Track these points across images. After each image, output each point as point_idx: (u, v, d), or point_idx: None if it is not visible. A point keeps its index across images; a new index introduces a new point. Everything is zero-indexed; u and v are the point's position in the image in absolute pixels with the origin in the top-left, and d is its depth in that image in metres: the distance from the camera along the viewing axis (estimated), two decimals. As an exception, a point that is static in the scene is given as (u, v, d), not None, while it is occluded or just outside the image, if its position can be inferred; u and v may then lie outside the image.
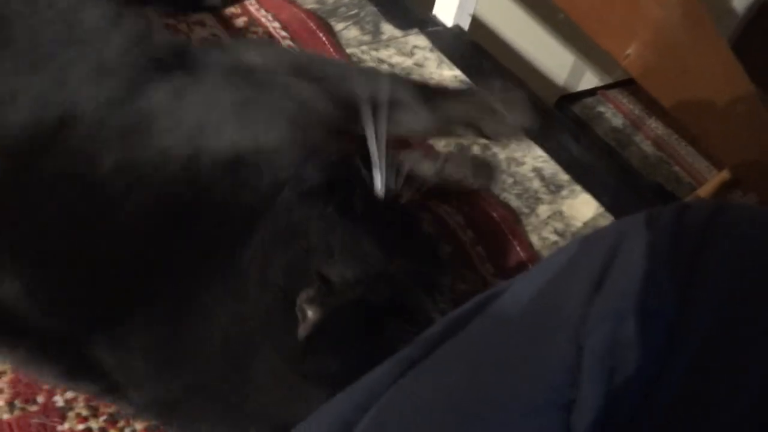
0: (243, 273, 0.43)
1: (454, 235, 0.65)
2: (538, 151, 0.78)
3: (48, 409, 0.50)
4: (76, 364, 0.45)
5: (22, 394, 0.50)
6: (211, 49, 0.60)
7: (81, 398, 0.51)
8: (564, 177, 0.76)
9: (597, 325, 0.37)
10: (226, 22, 0.86)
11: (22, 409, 0.49)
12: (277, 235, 0.45)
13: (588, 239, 0.45)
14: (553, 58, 1.90)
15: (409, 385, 0.38)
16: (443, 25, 0.98)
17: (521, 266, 0.64)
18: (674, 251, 0.40)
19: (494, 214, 0.68)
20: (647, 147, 2.21)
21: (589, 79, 2.20)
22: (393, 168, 0.54)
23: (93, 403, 0.50)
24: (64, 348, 0.45)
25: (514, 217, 0.69)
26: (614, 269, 0.40)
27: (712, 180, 1.78)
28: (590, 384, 0.35)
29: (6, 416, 0.49)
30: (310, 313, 0.40)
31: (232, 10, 0.88)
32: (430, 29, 0.95)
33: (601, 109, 2.31)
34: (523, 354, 0.38)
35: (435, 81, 0.86)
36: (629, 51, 1.12)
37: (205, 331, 0.42)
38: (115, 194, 0.45)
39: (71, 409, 0.50)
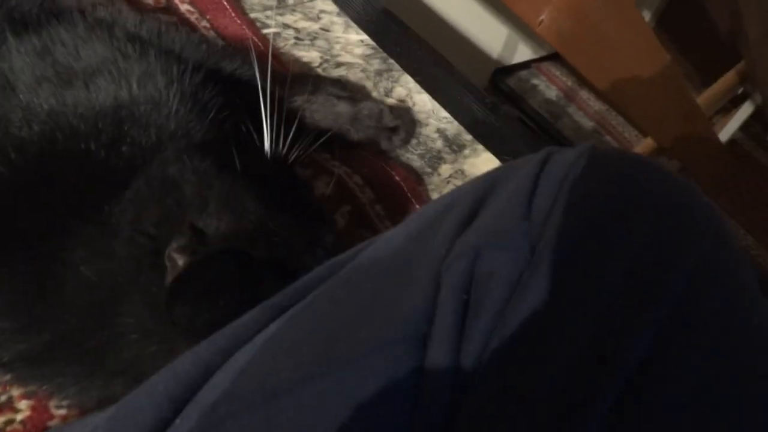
0: (113, 227, 0.42)
1: (352, 194, 0.65)
2: (443, 113, 0.79)
3: None
4: None
5: None
6: (83, 8, 0.58)
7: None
8: (467, 137, 0.77)
9: (455, 260, 0.37)
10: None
11: None
12: (151, 189, 0.44)
13: (465, 185, 0.45)
14: (487, 32, 1.91)
15: (275, 330, 0.38)
16: (353, -8, 0.97)
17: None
18: (533, 193, 0.40)
19: (394, 174, 0.68)
20: (580, 118, 2.26)
21: (524, 52, 2.23)
22: (290, 128, 0.54)
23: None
24: None
25: (415, 177, 0.70)
26: (481, 210, 0.41)
27: (638, 147, 1.83)
28: (444, 317, 0.35)
29: None
30: (180, 263, 0.40)
31: (129, -25, 0.86)
32: (338, -6, 0.94)
33: (536, 81, 2.34)
34: (387, 293, 0.38)
35: (341, 44, 0.85)
36: (542, 17, 1.14)
37: (69, 287, 0.41)
38: None
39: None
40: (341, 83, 0.75)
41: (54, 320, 0.41)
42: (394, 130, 0.72)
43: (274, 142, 0.52)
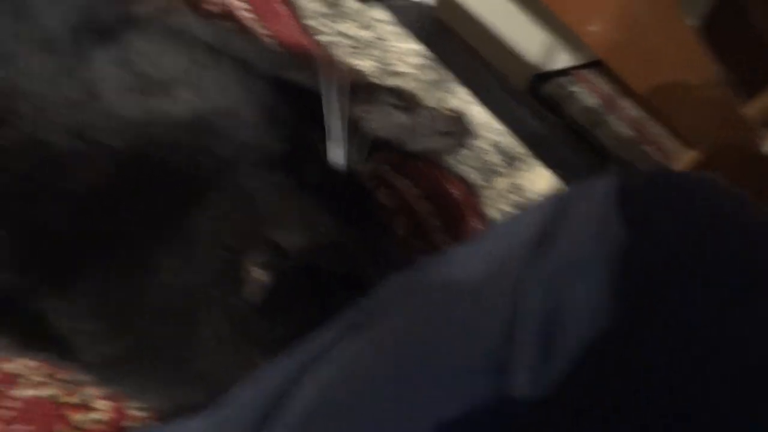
0: (194, 237, 0.44)
1: (410, 207, 0.66)
2: (496, 125, 0.79)
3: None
4: (28, 331, 0.45)
5: None
6: (158, 13, 0.59)
7: (34, 365, 0.51)
8: (521, 150, 0.77)
9: (532, 289, 0.38)
10: (185, -6, 0.85)
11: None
12: (229, 202, 0.45)
13: (533, 207, 0.45)
14: (527, 37, 1.90)
15: (352, 347, 0.39)
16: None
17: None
18: (606, 220, 0.41)
19: (450, 187, 0.69)
20: (620, 127, 2.23)
21: (564, 59, 2.21)
22: (353, 138, 0.55)
23: (48, 371, 0.50)
24: (17, 316, 0.45)
25: (470, 190, 0.70)
26: (554, 235, 0.41)
27: (682, 159, 1.81)
28: (522, 345, 0.36)
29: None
30: (258, 277, 0.41)
31: (191, -19, 0.87)
32: (392, 2, 0.95)
33: (575, 88, 2.32)
34: (466, 318, 0.39)
35: (396, 54, 0.86)
36: (593, 27, 1.13)
37: (153, 294, 0.43)
38: (68, 161, 0.45)
39: (23, 375, 0.50)
40: (397, 92, 0.76)
41: (137, 325, 0.42)
42: (447, 135, 0.73)
43: (341, 153, 0.53)
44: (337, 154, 0.51)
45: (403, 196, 0.67)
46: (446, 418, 0.35)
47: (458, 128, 0.74)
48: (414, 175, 0.70)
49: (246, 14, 0.84)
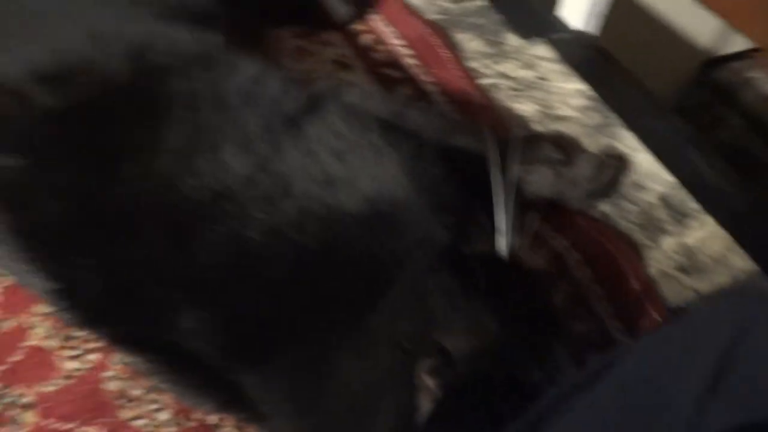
0: (371, 334, 0.48)
1: (571, 273, 0.66)
2: (665, 176, 0.76)
3: (203, 425, 0.58)
4: (231, 396, 0.52)
5: (182, 412, 0.58)
6: (333, 93, 0.63)
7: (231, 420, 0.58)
8: (693, 205, 0.74)
9: (706, 426, 0.37)
10: (353, 40, 0.90)
11: (179, 424, 0.58)
12: (404, 301, 0.49)
13: (704, 320, 0.44)
14: (697, 20, 1.76)
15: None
16: (570, 29, 0.95)
17: (640, 308, 0.64)
18: None
19: (611, 248, 0.68)
20: (806, 116, 2.01)
21: (739, 41, 2.01)
22: (519, 227, 0.56)
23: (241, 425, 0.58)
24: (223, 383, 0.52)
25: (634, 253, 0.69)
26: (731, 372, 0.40)
27: None
28: None
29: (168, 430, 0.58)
30: (429, 385, 0.44)
31: (358, 26, 0.92)
32: (555, 36, 0.93)
33: (752, 74, 2.11)
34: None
35: (559, 95, 0.85)
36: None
37: (335, 383, 0.47)
38: (263, 253, 0.51)
39: (221, 427, 0.58)
40: (558, 141, 0.75)
41: (322, 408, 0.48)
42: (609, 185, 0.72)
43: (507, 242, 0.55)
44: (502, 243, 0.53)
45: (563, 261, 0.67)
46: None
47: (616, 174, 0.72)
48: (572, 234, 0.69)
49: (410, 61, 0.87)
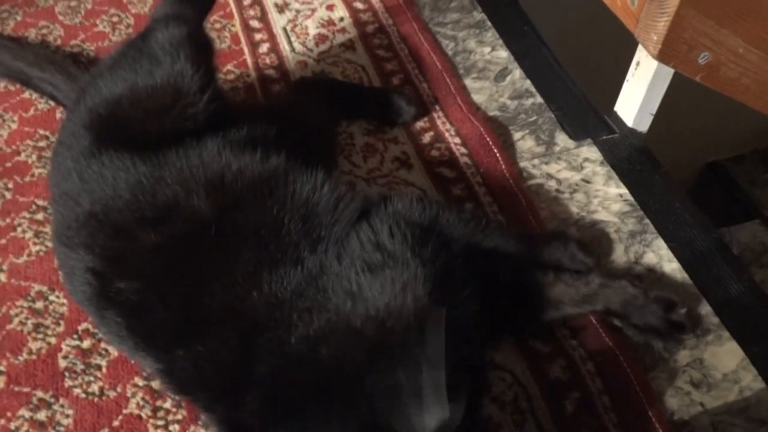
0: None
1: (583, 382, 0.73)
2: (692, 289, 0.81)
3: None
4: None
5: None
6: (383, 201, 0.74)
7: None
8: (714, 320, 0.78)
9: None
10: (415, 138, 1.01)
11: None
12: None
13: None
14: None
15: None
16: (621, 126, 1.01)
17: (645, 422, 0.70)
18: None
19: (624, 361, 0.74)
20: None
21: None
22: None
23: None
24: None
25: (646, 365, 0.75)
26: None
27: None
28: None
29: None
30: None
31: (421, 124, 1.02)
32: (604, 137, 0.99)
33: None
34: None
35: (599, 199, 0.92)
36: None
37: None
38: (294, 356, 0.62)
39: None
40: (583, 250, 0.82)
41: None
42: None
43: None
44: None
45: (577, 369, 0.74)
46: None
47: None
48: (588, 343, 0.76)
49: (465, 160, 0.96)
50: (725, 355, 0.76)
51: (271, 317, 0.64)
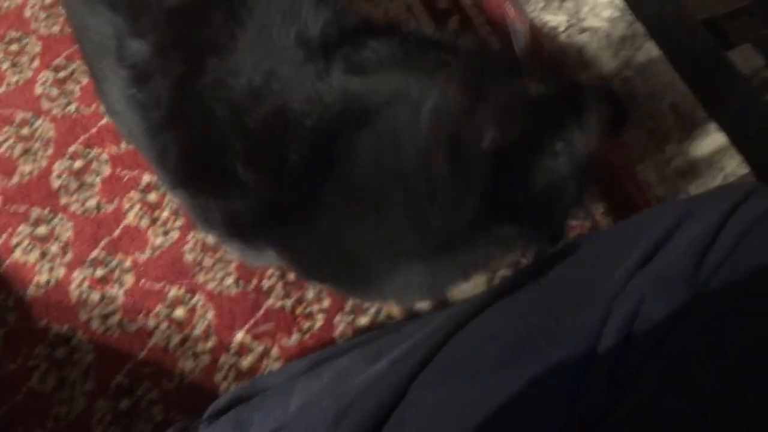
0: None
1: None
2: (681, 86, 0.81)
3: (259, 288, 0.74)
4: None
5: (243, 277, 0.74)
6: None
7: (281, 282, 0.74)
8: (701, 114, 0.79)
9: (625, 299, 0.45)
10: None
11: (240, 287, 0.74)
12: None
13: (657, 211, 0.51)
14: None
15: (476, 322, 0.53)
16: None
17: (631, 206, 0.72)
18: (713, 241, 0.44)
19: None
20: None
21: None
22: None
23: (288, 287, 0.73)
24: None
25: (637, 156, 0.76)
26: (662, 249, 0.47)
27: None
28: (609, 340, 0.44)
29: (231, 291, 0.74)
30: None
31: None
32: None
33: None
34: (574, 307, 0.48)
35: (589, 6, 0.89)
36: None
37: None
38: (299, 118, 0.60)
39: (273, 289, 0.73)
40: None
41: None
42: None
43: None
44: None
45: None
46: (547, 380, 0.44)
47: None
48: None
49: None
50: (709, 146, 0.77)
51: (267, 88, 0.62)
